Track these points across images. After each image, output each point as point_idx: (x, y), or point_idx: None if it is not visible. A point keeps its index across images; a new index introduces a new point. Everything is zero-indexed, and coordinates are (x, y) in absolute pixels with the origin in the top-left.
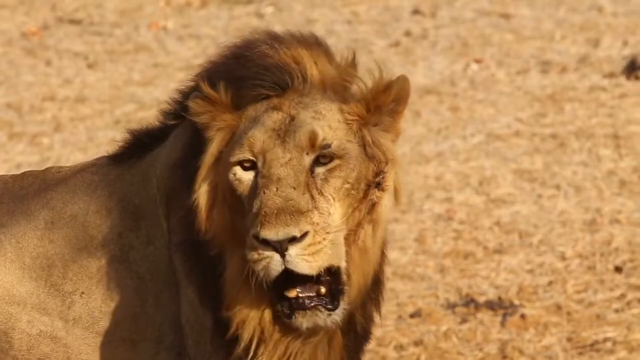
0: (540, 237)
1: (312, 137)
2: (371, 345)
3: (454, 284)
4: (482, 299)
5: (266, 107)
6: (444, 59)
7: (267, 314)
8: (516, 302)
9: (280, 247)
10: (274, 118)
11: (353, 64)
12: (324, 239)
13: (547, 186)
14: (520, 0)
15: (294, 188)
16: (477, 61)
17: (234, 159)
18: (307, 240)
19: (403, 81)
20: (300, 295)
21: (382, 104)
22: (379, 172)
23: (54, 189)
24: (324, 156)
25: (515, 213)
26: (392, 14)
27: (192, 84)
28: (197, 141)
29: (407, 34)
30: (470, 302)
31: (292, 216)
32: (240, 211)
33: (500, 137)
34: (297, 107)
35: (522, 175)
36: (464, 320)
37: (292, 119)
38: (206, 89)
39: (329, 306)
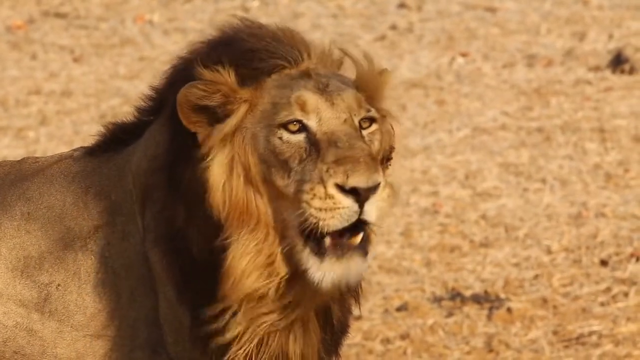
0: (526, 231)
1: (358, 98)
2: (357, 338)
3: (440, 277)
4: (468, 293)
5: (293, 75)
6: (430, 52)
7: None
8: (502, 295)
9: (363, 196)
10: (311, 83)
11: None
12: (384, 190)
13: (533, 180)
14: None
15: (362, 142)
16: (463, 55)
17: (281, 120)
18: (381, 189)
19: (390, 73)
20: (338, 240)
21: (380, 84)
22: (391, 148)
23: (31, 179)
24: (364, 120)
25: (501, 207)
26: (378, 8)
27: (167, 80)
28: (175, 137)
29: (393, 27)
30: (456, 295)
31: (373, 164)
32: (263, 183)
33: (486, 131)
34: (322, 76)
35: (508, 168)
36: (450, 314)
37: (326, 85)
38: (207, 72)
39: (363, 251)
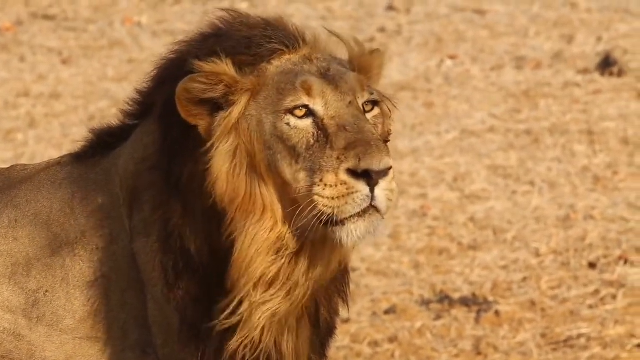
0: (515, 233)
1: (361, 81)
2: (345, 341)
3: (429, 280)
4: (456, 295)
5: (294, 61)
6: (419, 55)
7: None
8: (490, 298)
9: (375, 180)
10: (314, 68)
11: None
12: (393, 180)
13: (521, 182)
14: None
15: (370, 125)
16: (452, 57)
17: (288, 106)
18: (391, 174)
19: (382, 52)
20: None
21: (373, 64)
22: (389, 131)
23: (19, 186)
24: (367, 103)
25: (490, 209)
26: (367, 10)
27: (154, 81)
28: (168, 136)
29: (382, 30)
30: (444, 298)
31: (384, 148)
32: (267, 171)
33: (474, 133)
34: (322, 60)
35: (496, 171)
36: (438, 317)
37: (328, 69)
38: (206, 64)
39: (380, 213)
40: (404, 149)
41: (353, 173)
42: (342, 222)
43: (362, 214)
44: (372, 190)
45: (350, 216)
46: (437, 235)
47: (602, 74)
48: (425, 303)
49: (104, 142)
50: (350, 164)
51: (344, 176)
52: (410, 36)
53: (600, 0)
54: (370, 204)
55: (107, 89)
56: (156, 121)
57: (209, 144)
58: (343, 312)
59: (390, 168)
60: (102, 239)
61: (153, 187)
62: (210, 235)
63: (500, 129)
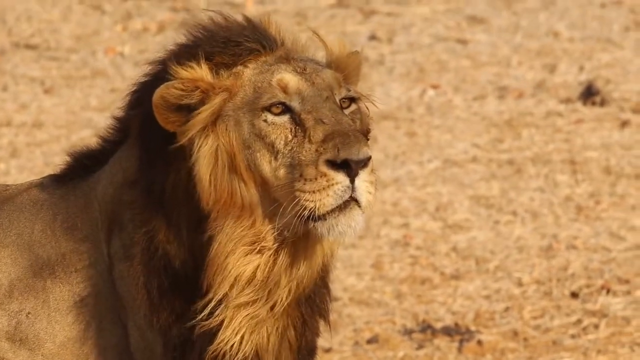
0: (497, 263)
1: (337, 78)
2: None
3: (411, 309)
4: (439, 325)
5: (270, 62)
6: (401, 84)
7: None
8: (473, 328)
9: (354, 170)
10: (291, 67)
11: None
12: (372, 172)
13: (503, 212)
14: (477, 26)
15: (347, 117)
16: (434, 87)
17: (264, 103)
18: (370, 165)
19: (359, 54)
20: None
21: (350, 65)
22: (368, 129)
23: (0, 207)
24: (344, 99)
25: (472, 239)
26: (349, 39)
27: (128, 105)
28: (147, 153)
29: (364, 59)
30: (427, 328)
31: (362, 138)
32: (247, 171)
33: (457, 163)
34: (299, 60)
35: (478, 201)
36: (420, 346)
37: (304, 68)
38: (183, 70)
39: (360, 207)
40: (386, 179)
41: (332, 164)
42: (323, 217)
43: (342, 207)
44: (352, 182)
45: (332, 210)
46: (420, 264)
47: (585, 103)
48: (408, 333)
49: (83, 165)
50: (329, 155)
51: (323, 168)
52: (393, 66)
53: (583, 30)
54: (351, 195)
55: (89, 119)
56: (134, 140)
57: (186, 149)
58: (325, 334)
59: (369, 158)
60: (80, 263)
61: (134, 206)
62: (194, 246)
63: (482, 159)
